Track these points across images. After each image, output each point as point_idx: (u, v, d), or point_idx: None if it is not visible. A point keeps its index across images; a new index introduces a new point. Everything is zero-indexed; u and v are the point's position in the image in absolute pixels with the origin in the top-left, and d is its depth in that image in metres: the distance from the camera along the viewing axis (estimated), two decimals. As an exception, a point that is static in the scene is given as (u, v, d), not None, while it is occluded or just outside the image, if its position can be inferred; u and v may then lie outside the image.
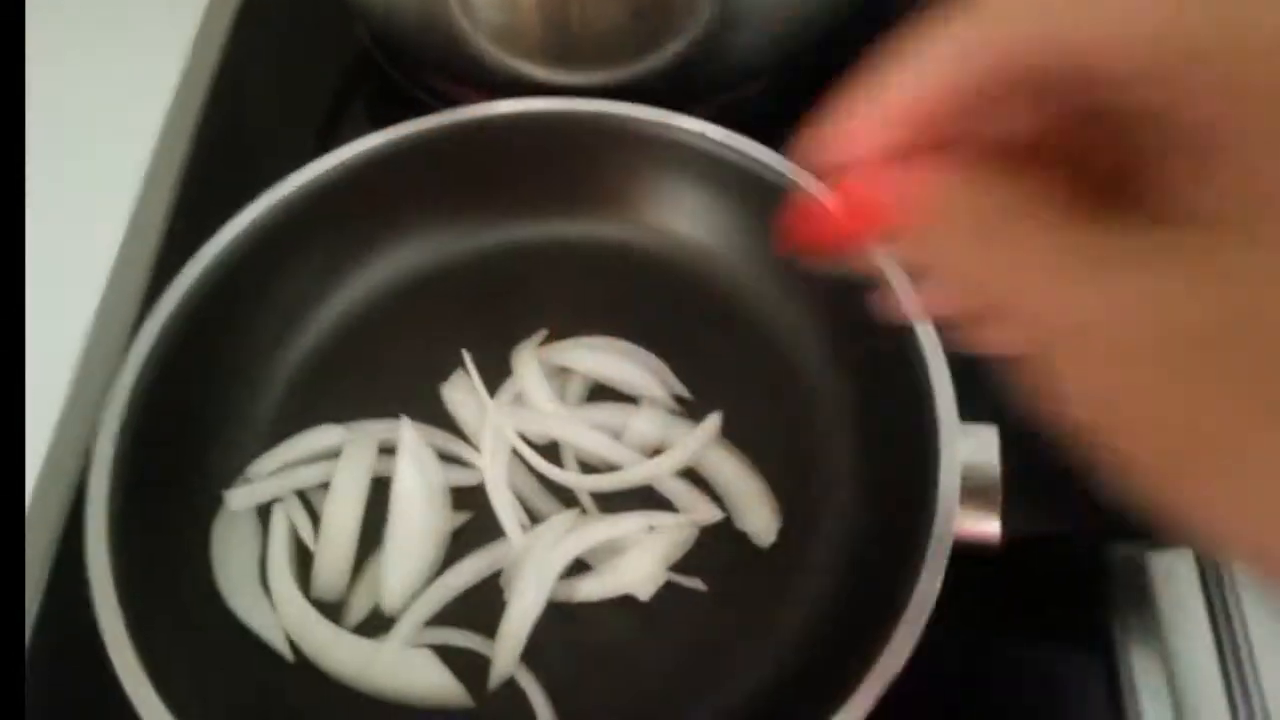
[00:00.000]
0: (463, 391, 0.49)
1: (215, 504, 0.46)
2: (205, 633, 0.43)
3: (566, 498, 0.47)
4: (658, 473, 0.47)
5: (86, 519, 0.41)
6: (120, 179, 0.57)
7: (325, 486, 0.47)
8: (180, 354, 0.46)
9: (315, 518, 0.46)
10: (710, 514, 0.46)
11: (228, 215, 0.49)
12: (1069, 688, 0.43)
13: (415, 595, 0.44)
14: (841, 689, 0.37)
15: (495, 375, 0.50)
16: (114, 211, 0.56)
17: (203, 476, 0.47)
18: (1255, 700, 0.39)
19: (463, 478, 0.47)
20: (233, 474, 0.47)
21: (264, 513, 0.46)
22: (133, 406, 0.44)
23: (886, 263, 0.42)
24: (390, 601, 0.44)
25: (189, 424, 0.47)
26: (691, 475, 0.47)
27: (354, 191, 0.51)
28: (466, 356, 0.49)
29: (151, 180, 0.58)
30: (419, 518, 0.46)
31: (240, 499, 0.46)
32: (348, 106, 0.64)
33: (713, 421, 0.47)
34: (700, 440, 0.47)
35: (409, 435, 0.47)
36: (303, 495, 0.47)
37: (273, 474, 0.47)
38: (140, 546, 0.42)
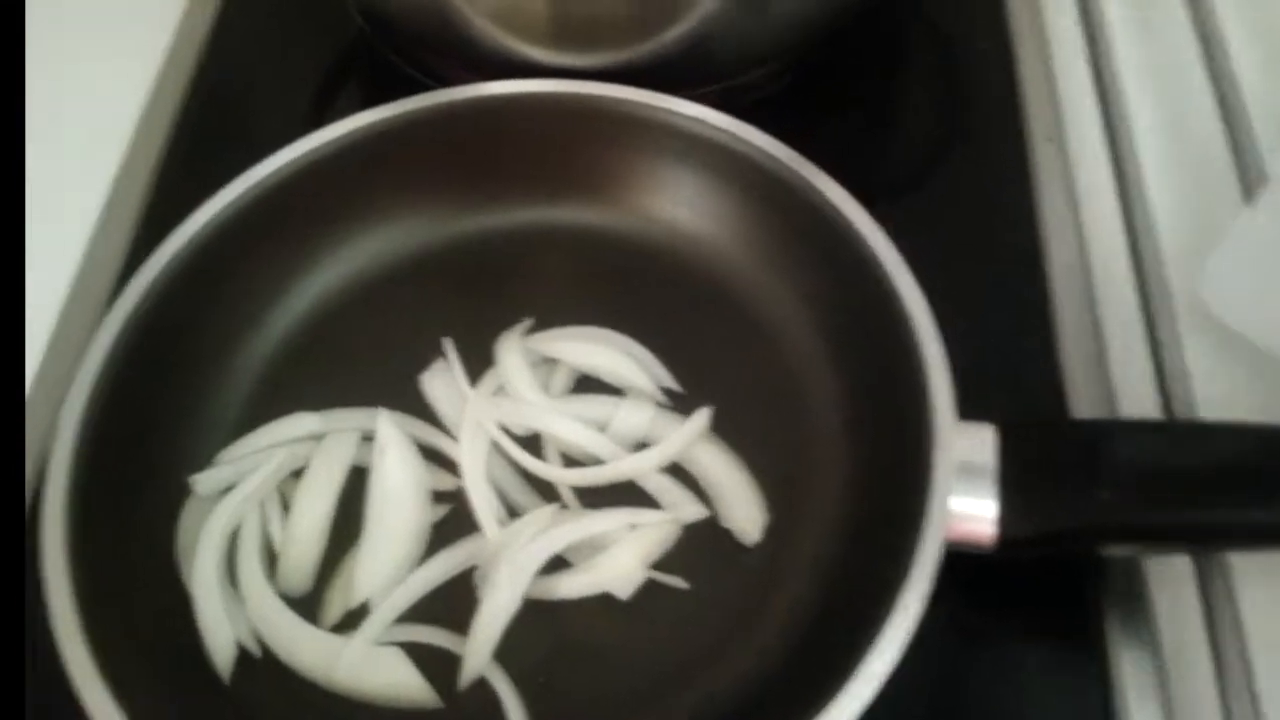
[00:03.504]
0: (442, 381, 0.47)
1: (183, 493, 0.45)
2: (167, 624, 0.42)
3: (547, 492, 0.45)
4: (642, 468, 0.45)
5: (44, 504, 0.40)
6: (100, 158, 0.56)
7: (298, 475, 0.45)
8: (152, 336, 0.45)
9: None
10: (695, 512, 0.44)
11: (209, 194, 0.48)
12: (1060, 689, 0.41)
13: (389, 591, 0.43)
14: (828, 690, 0.35)
15: (477, 364, 0.48)
16: (91, 190, 0.55)
17: (171, 463, 0.45)
18: (1249, 704, 0.37)
19: (440, 481, 0.45)
20: (203, 461, 0.46)
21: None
22: (99, 389, 0.43)
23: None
24: (363, 597, 0.43)
25: (158, 409, 0.45)
26: (676, 470, 0.45)
27: (336, 173, 0.49)
28: (448, 344, 0.48)
29: (131, 160, 0.57)
30: (397, 513, 0.44)
31: (208, 483, 0.45)
32: (341, 87, 0.62)
33: (701, 417, 0.46)
34: (687, 436, 0.45)
35: (387, 428, 0.45)
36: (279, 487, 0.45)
37: (243, 459, 0.45)
38: (101, 536, 0.40)
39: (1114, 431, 0.39)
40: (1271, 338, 0.44)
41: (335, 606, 0.43)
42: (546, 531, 0.43)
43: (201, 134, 0.58)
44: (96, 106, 0.57)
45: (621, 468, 0.45)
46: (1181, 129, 0.56)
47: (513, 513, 0.45)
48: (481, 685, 0.41)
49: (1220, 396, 0.45)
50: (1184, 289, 0.47)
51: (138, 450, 0.44)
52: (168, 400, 0.46)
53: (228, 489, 0.45)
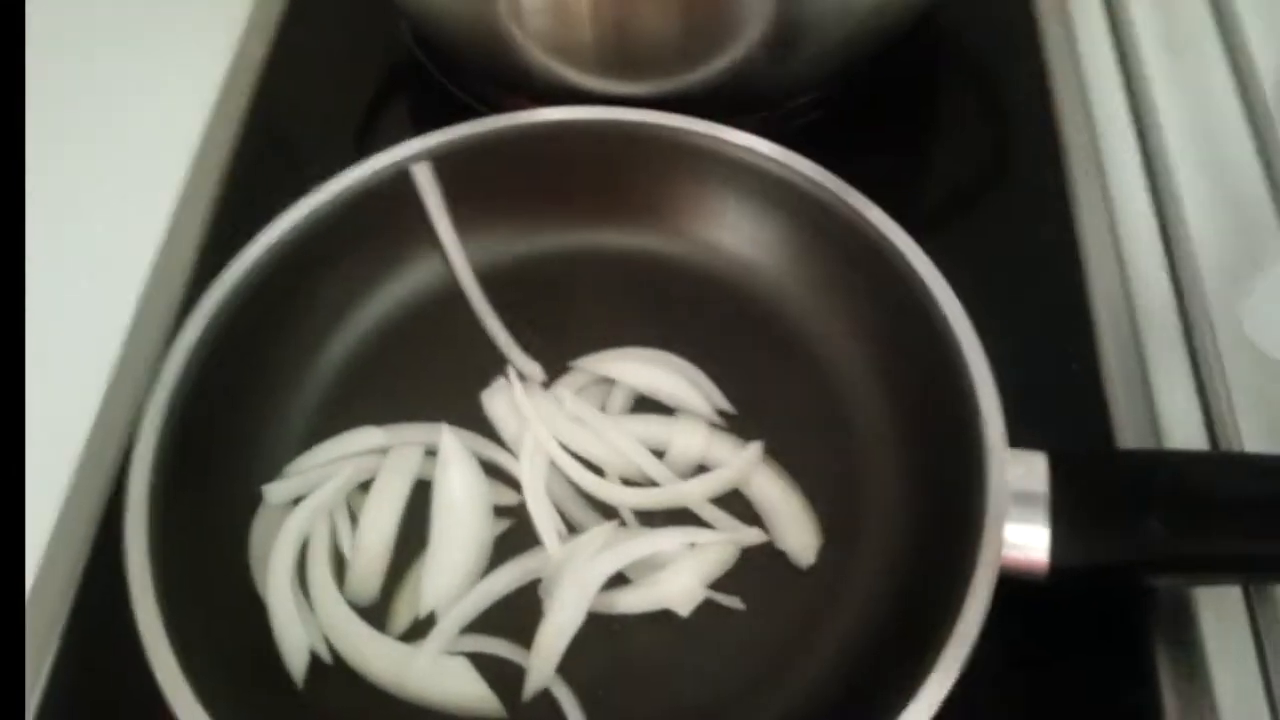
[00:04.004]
0: (503, 398, 0.49)
1: (254, 503, 0.46)
2: (243, 630, 0.43)
3: (605, 508, 0.47)
4: (697, 495, 0.46)
5: (126, 512, 0.41)
6: (163, 177, 0.58)
7: (365, 488, 0.47)
8: (222, 353, 0.46)
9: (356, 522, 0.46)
10: (752, 536, 0.45)
11: (270, 214, 0.49)
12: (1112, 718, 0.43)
13: (455, 602, 0.44)
14: (884, 714, 0.37)
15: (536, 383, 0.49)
16: (156, 210, 0.56)
17: (242, 475, 0.47)
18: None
19: (502, 496, 0.47)
20: (271, 473, 0.47)
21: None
22: (174, 403, 0.44)
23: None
24: (429, 607, 0.44)
25: (229, 423, 0.47)
26: (732, 493, 0.47)
27: (397, 196, 0.51)
28: (509, 364, 0.49)
29: (194, 179, 0.58)
30: (461, 526, 0.45)
31: (279, 493, 0.46)
32: (390, 109, 0.64)
33: (755, 449, 0.47)
34: (743, 466, 0.46)
35: (450, 443, 0.47)
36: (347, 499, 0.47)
37: (312, 471, 0.47)
38: (179, 542, 0.42)
39: (1163, 461, 0.40)
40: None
41: (403, 616, 0.44)
42: (608, 548, 0.44)
43: (259, 159, 0.60)
44: (156, 132, 0.59)
45: (676, 495, 0.46)
46: (1219, 159, 0.57)
47: (572, 528, 0.46)
48: (545, 697, 0.42)
49: (1265, 427, 0.47)
50: (1226, 320, 0.48)
51: (212, 462, 0.45)
52: (239, 414, 0.47)
53: (298, 499, 0.46)
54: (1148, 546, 0.39)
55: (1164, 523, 0.39)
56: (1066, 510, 0.40)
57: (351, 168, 0.51)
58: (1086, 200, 0.56)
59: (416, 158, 0.51)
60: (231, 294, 0.47)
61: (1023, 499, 0.40)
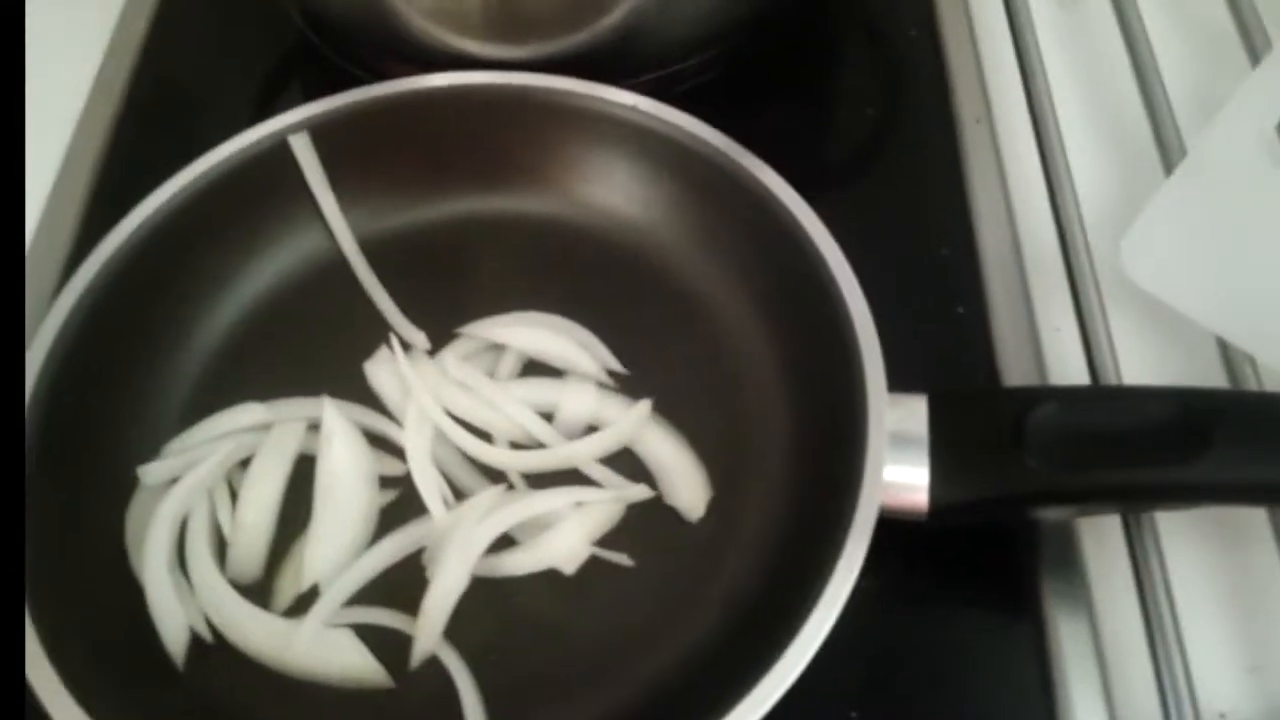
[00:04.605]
0: (387, 368, 0.48)
1: (131, 485, 0.45)
2: (120, 617, 0.42)
3: (494, 472, 0.46)
4: (586, 455, 0.46)
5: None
6: (43, 150, 0.56)
7: (246, 465, 0.46)
8: (95, 330, 0.45)
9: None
10: (639, 493, 0.45)
11: (152, 189, 0.48)
12: (995, 653, 0.43)
13: (338, 575, 0.43)
14: (770, 655, 0.37)
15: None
16: (34, 186, 0.55)
17: (120, 456, 0.45)
18: (1179, 664, 0.39)
19: (387, 467, 0.46)
20: (150, 453, 0.46)
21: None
22: (44, 383, 0.43)
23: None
24: (312, 581, 0.43)
25: (104, 402, 0.46)
26: (622, 449, 0.46)
27: (276, 167, 0.50)
28: (392, 332, 0.48)
29: (74, 151, 0.57)
30: (344, 498, 0.45)
31: (156, 473, 0.45)
32: (283, 87, 0.62)
33: (644, 406, 0.46)
34: (632, 424, 0.46)
35: (332, 415, 0.46)
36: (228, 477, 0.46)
37: (190, 450, 0.46)
38: (49, 529, 0.41)
39: (1041, 398, 0.40)
40: (1188, 303, 0.46)
41: (286, 592, 0.43)
42: (493, 512, 0.44)
43: (142, 134, 0.59)
44: (35, 106, 0.57)
45: (566, 455, 0.46)
46: (1103, 107, 0.58)
47: (460, 495, 0.45)
48: (433, 663, 0.42)
49: (1144, 362, 0.47)
50: (1107, 261, 0.48)
51: (84, 443, 0.44)
52: (113, 392, 0.46)
53: (175, 480, 0.45)
54: (1024, 480, 0.39)
55: (1041, 456, 0.39)
56: (945, 449, 0.40)
57: (228, 140, 0.50)
58: (975, 151, 0.56)
59: (294, 128, 0.50)
60: (105, 268, 0.46)
61: (903, 440, 0.40)
